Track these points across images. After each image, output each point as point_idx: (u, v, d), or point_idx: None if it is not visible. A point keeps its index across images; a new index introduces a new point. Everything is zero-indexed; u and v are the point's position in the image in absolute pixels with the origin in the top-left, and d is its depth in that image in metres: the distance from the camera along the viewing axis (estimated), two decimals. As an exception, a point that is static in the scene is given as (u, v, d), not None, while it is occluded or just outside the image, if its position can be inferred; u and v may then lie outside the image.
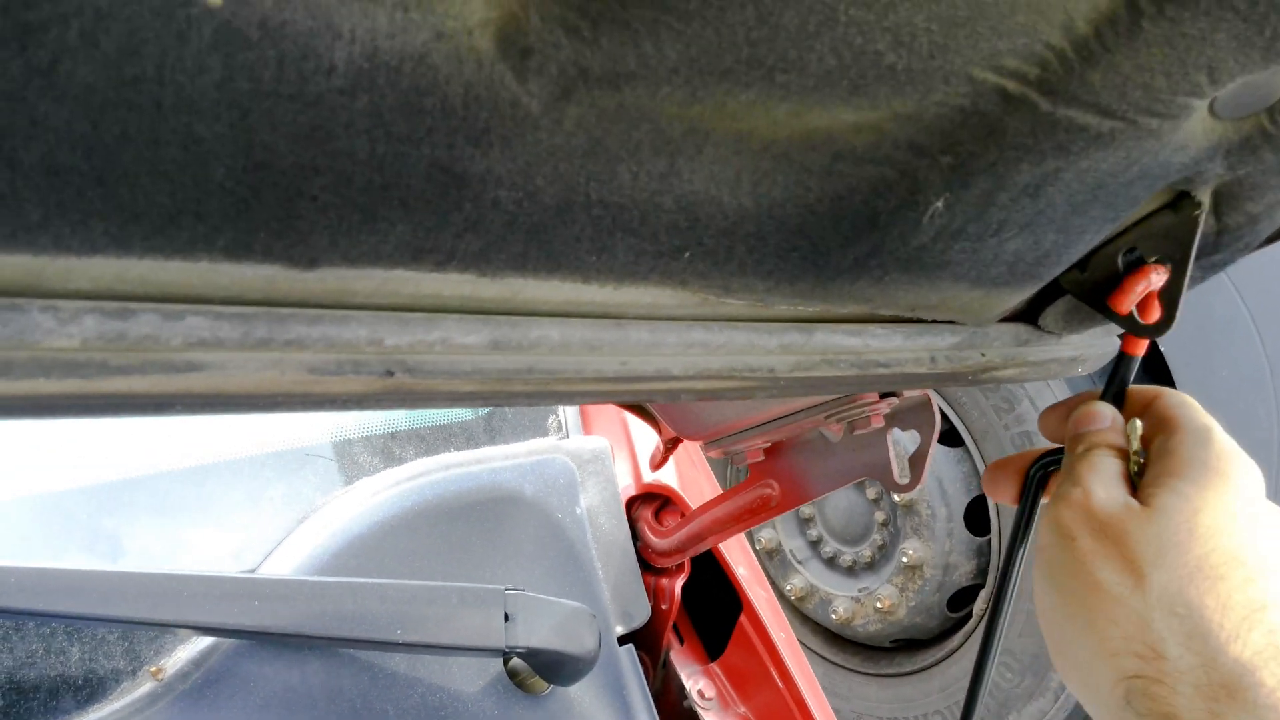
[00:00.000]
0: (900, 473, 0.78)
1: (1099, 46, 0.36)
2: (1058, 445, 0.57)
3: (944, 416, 2.42)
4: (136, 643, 0.68)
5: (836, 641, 2.62)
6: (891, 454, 0.78)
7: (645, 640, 1.11)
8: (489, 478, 1.05)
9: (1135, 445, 0.53)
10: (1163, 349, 2.14)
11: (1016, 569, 0.61)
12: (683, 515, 1.12)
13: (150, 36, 0.24)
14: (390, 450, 1.06)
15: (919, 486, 0.77)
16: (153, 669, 0.67)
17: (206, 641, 0.70)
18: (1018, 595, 2.27)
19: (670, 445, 1.05)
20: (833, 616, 2.57)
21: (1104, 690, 0.47)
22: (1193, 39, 0.36)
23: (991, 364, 0.57)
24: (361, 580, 0.76)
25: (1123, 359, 0.57)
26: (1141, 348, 0.57)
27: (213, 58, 0.25)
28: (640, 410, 0.98)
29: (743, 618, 1.12)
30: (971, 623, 2.40)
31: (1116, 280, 0.52)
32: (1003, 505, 2.34)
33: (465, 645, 0.77)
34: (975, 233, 0.44)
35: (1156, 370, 2.28)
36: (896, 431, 0.78)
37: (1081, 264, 0.53)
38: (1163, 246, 0.50)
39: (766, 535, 2.65)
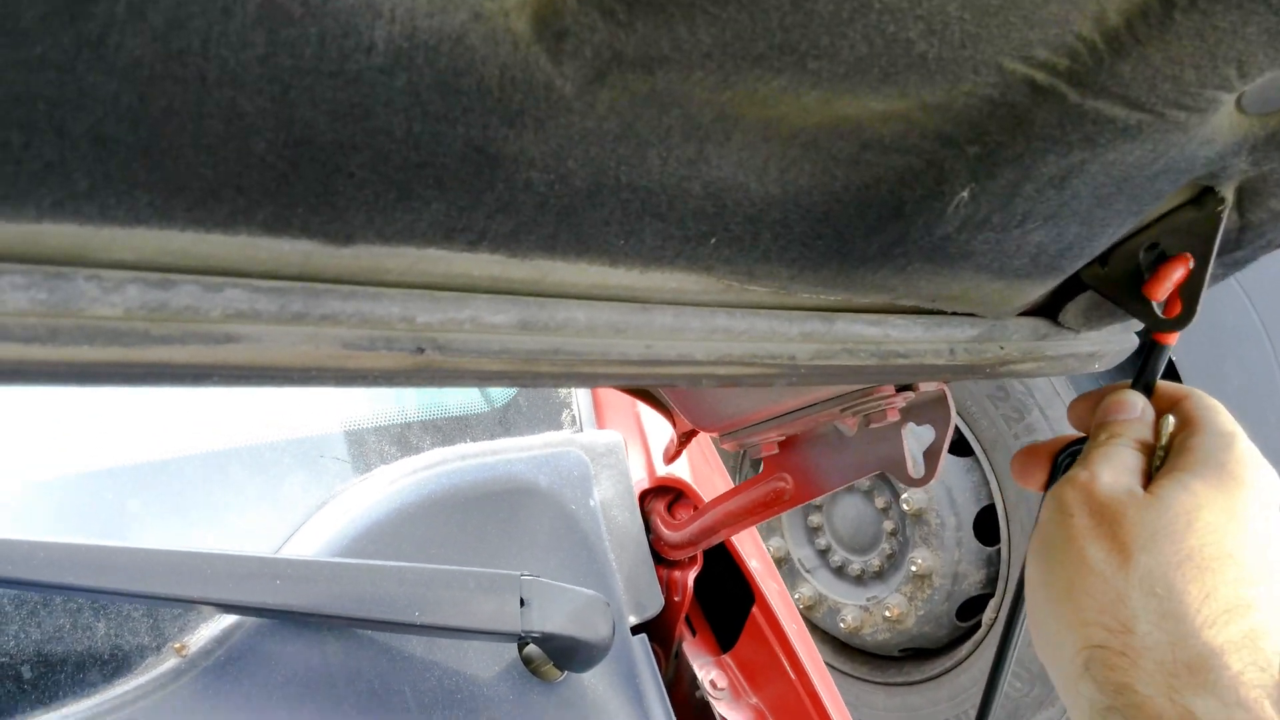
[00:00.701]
0: (915, 467, 0.78)
1: (1130, 38, 0.36)
2: (1086, 434, 0.57)
3: None
4: (161, 620, 0.69)
5: (845, 650, 2.62)
6: (906, 448, 0.78)
7: (658, 631, 1.11)
8: (504, 469, 1.06)
9: (1164, 441, 0.53)
10: (1173, 356, 2.13)
11: None
12: (695, 508, 1.13)
13: (196, 10, 0.25)
14: (407, 440, 1.06)
15: (932, 480, 0.77)
16: (176, 645, 0.68)
17: (229, 620, 0.71)
18: None
19: (684, 439, 1.06)
20: (841, 625, 2.56)
21: (1067, 657, 0.48)
22: (1224, 32, 0.36)
23: (1010, 357, 0.57)
24: (380, 563, 0.77)
25: (1154, 349, 0.57)
26: (1174, 338, 0.56)
27: (256, 33, 0.26)
28: (655, 402, 0.98)
29: (755, 610, 1.13)
30: (980, 632, 2.40)
31: (1138, 275, 0.52)
32: (1013, 514, 2.33)
33: (481, 629, 0.78)
34: (1000, 223, 0.44)
35: (1166, 374, 2.26)
36: (910, 427, 0.78)
37: (1103, 258, 0.53)
38: (1185, 242, 0.50)
39: (775, 544, 2.66)
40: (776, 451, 0.92)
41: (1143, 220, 0.50)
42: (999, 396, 2.33)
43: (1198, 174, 0.46)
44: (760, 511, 0.99)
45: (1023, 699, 2.28)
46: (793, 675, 1.11)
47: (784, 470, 0.94)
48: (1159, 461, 0.52)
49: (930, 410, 0.77)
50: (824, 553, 2.64)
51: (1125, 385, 0.57)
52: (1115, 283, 0.53)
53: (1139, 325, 0.64)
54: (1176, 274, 0.52)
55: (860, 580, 2.56)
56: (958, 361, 0.55)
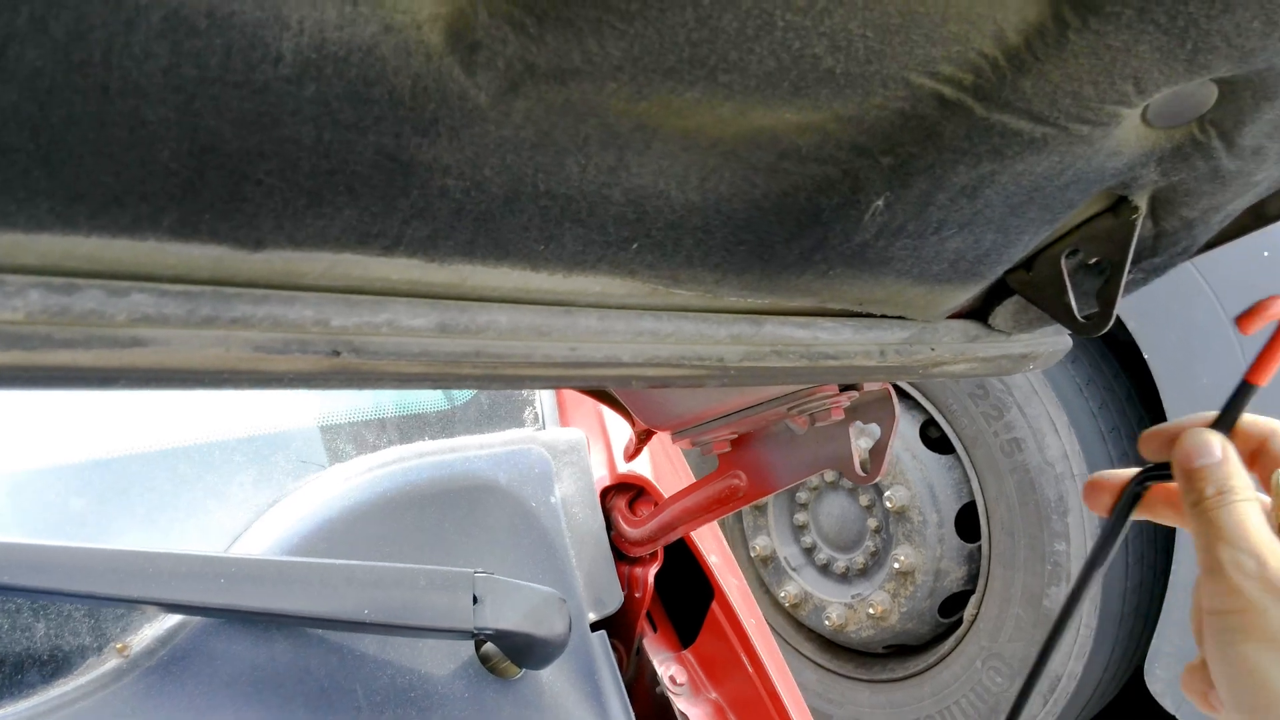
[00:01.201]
0: (861, 465, 0.80)
1: (1029, 56, 0.37)
2: (1159, 462, 0.57)
3: (934, 424, 2.46)
4: (103, 620, 0.68)
5: (830, 648, 2.65)
6: (853, 448, 0.79)
7: (619, 628, 1.12)
8: (463, 466, 1.06)
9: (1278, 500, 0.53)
10: (1145, 355, 2.17)
11: (1098, 572, 0.61)
12: (656, 505, 1.14)
13: (98, 23, 0.25)
14: (364, 438, 1.07)
15: (879, 477, 0.78)
16: (118, 645, 0.68)
17: (173, 620, 0.71)
18: (1007, 599, 2.29)
19: (644, 437, 1.07)
20: (826, 623, 2.59)
21: None
22: (1117, 50, 0.37)
23: (941, 359, 0.58)
24: (329, 561, 0.77)
25: (1244, 388, 0.56)
26: (1266, 378, 0.56)
27: (160, 44, 0.26)
28: (611, 401, 0.99)
29: (714, 605, 1.14)
30: (962, 628, 2.43)
31: (1060, 281, 0.54)
32: (993, 511, 2.36)
33: (433, 626, 0.78)
34: (915, 230, 0.45)
35: (1140, 377, 2.31)
36: (857, 425, 0.79)
37: (1027, 264, 0.55)
38: (1103, 248, 0.52)
39: (761, 543, 2.69)
40: (729, 449, 0.93)
41: (1060, 228, 0.52)
42: (979, 395, 2.36)
43: (1109, 184, 0.47)
44: (716, 508, 1.00)
45: (1002, 694, 2.31)
46: (751, 670, 1.13)
47: (738, 468, 0.95)
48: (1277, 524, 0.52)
49: (875, 409, 0.78)
50: (809, 551, 2.67)
51: (1199, 425, 0.57)
52: (1038, 288, 0.55)
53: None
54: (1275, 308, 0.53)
55: (845, 578, 2.59)
56: (889, 363, 0.56)
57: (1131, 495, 0.58)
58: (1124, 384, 2.45)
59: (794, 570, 2.66)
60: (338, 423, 1.05)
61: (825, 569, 2.63)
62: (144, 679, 0.66)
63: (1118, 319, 2.42)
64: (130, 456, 0.83)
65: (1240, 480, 0.53)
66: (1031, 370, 0.67)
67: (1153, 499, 0.59)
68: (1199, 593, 0.55)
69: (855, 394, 0.77)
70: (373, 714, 0.79)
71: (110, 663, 0.66)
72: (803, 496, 2.67)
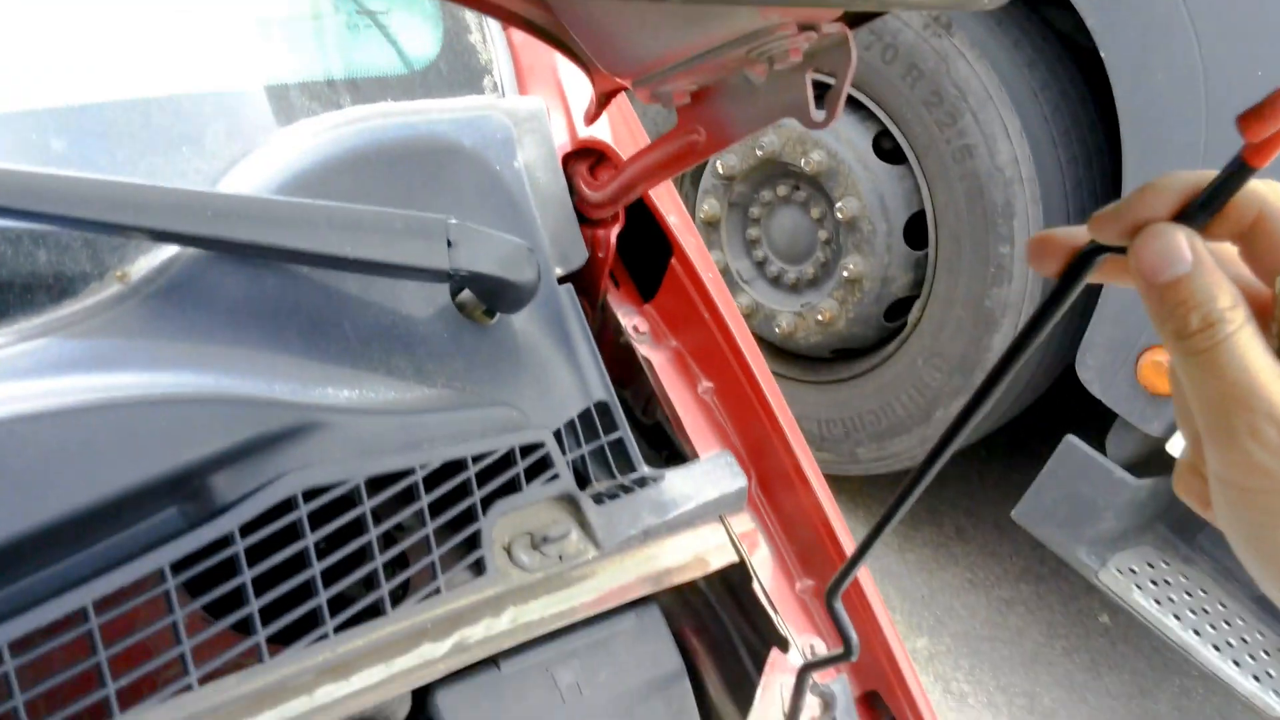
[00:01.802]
0: (815, 111, 0.82)
1: None
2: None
3: (887, 134, 2.43)
4: (100, 250, 0.72)
5: (780, 355, 2.80)
6: (809, 93, 0.81)
7: (583, 285, 1.19)
8: (428, 128, 1.07)
9: None
10: (1102, 54, 2.13)
11: (1038, 337, 0.55)
12: (616, 170, 1.17)
13: None
14: (326, 96, 1.06)
15: (834, 122, 0.81)
16: (118, 273, 0.73)
17: (167, 252, 0.75)
18: (951, 302, 2.44)
19: (604, 99, 1.07)
20: (776, 330, 2.73)
21: None
22: None
23: None
24: (310, 201, 0.81)
25: (1239, 170, 0.42)
26: (1267, 159, 0.41)
27: None
28: (571, 53, 0.98)
29: (673, 260, 1.21)
30: (906, 330, 2.57)
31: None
32: (941, 219, 2.41)
33: (411, 265, 0.84)
34: None
35: (1097, 81, 2.27)
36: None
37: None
38: None
39: (714, 257, 2.77)
40: (689, 102, 0.95)
41: None
42: (933, 102, 2.34)
43: None
44: (675, 164, 1.03)
45: (941, 388, 2.51)
46: (709, 319, 1.22)
47: (697, 123, 0.97)
48: None
49: (832, 56, 0.79)
50: (761, 264, 2.76)
51: (1164, 207, 0.43)
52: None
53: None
54: None
55: (795, 288, 2.71)
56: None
57: (1082, 265, 0.48)
58: (1079, 88, 2.42)
59: (746, 283, 2.77)
60: (298, 81, 1.04)
61: (776, 281, 2.74)
62: (145, 304, 0.71)
63: (1077, 19, 2.32)
64: (104, 104, 0.83)
65: (1228, 297, 0.41)
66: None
67: (1111, 263, 0.47)
68: (1196, 446, 0.44)
69: (814, 35, 0.77)
70: (361, 346, 0.87)
71: (112, 288, 0.71)
72: (755, 212, 2.71)
